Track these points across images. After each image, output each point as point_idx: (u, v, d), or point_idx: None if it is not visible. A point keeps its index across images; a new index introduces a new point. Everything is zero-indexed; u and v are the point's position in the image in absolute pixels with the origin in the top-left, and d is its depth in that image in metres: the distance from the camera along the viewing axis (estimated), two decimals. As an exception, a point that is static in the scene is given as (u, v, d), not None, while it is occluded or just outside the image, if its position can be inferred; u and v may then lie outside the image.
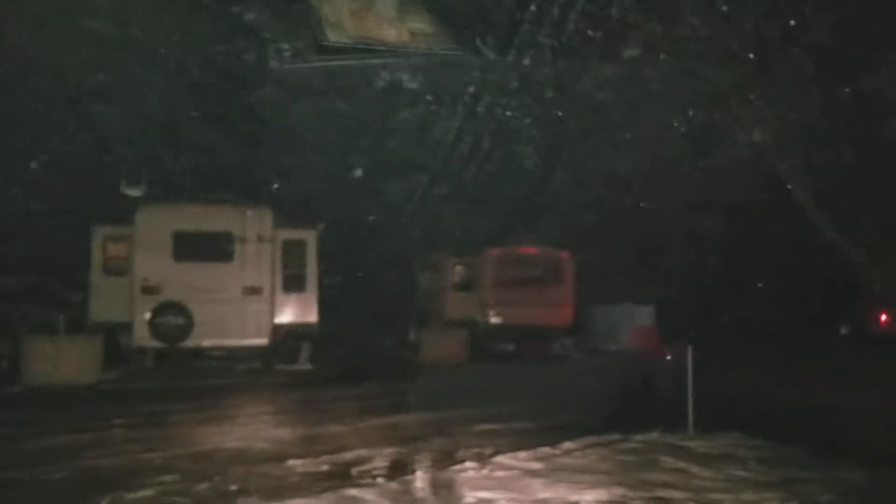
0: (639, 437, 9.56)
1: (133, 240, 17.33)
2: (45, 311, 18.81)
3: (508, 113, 16.37)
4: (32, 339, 16.09)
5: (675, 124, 15.50)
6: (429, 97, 16.45)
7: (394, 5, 12.04)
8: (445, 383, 16.06)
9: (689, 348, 10.22)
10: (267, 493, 7.17)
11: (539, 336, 23.02)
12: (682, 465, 8.20)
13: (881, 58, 13.53)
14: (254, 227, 17.71)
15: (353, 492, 7.08)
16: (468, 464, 8.08)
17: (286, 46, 14.22)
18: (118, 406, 12.71)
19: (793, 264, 24.11)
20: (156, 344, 17.05)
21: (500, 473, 7.71)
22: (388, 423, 11.36)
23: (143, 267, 17.05)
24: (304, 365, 18.70)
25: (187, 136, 19.28)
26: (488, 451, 8.88)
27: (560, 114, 16.23)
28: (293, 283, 18.52)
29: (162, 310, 16.95)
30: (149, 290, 16.95)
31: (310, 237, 18.75)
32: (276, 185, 21.89)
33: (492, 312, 22.62)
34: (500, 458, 8.33)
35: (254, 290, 17.55)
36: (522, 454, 8.51)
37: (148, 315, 16.87)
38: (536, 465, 8.04)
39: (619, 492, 7.09)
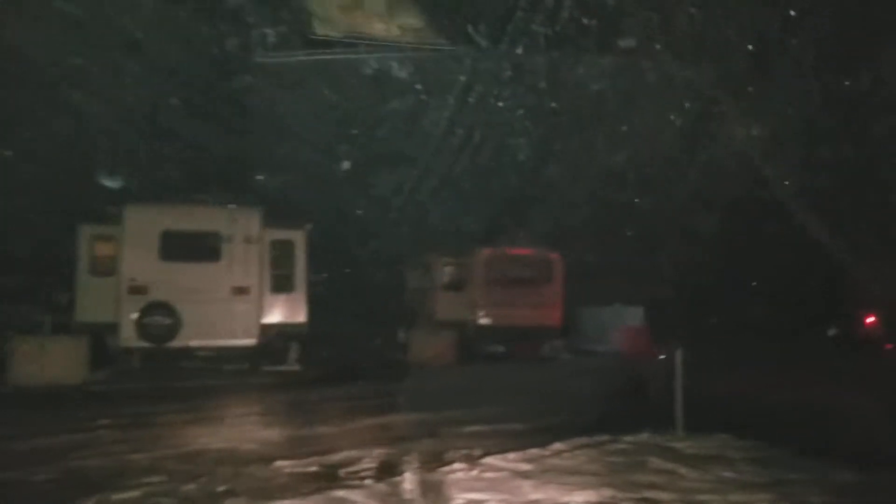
0: (628, 438, 9.55)
1: (120, 239, 17.25)
2: (31, 311, 18.70)
3: (501, 104, 16.08)
4: (19, 340, 15.98)
5: (672, 117, 15.34)
6: (418, 86, 16.20)
7: (383, 0, 11.99)
8: (435, 384, 16.03)
9: (678, 350, 10.21)
10: (254, 495, 7.14)
11: (529, 337, 23.03)
12: (670, 466, 8.20)
13: (880, 52, 13.49)
14: (242, 227, 17.67)
15: (341, 493, 7.06)
16: (457, 465, 8.06)
17: (271, 32, 14.07)
18: (105, 407, 12.65)
19: (783, 265, 24.14)
20: (143, 344, 16.98)
21: (489, 475, 7.69)
22: (377, 423, 11.34)
23: (131, 267, 16.98)
24: (292, 365, 18.66)
25: (168, 125, 18.84)
26: (477, 452, 8.85)
27: (553, 105, 15.99)
28: (281, 284, 18.49)
29: (149, 310, 16.89)
30: (136, 290, 16.88)
31: (298, 237, 18.72)
32: (260, 177, 21.67)
33: (481, 313, 22.62)
34: (489, 460, 8.31)
35: (242, 291, 17.51)
36: (512, 455, 8.49)
37: (135, 315, 16.80)
38: (526, 467, 8.02)
39: (607, 493, 7.08)
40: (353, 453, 8.87)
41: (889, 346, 21.97)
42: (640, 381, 13.63)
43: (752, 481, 7.70)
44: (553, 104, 15.90)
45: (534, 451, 8.72)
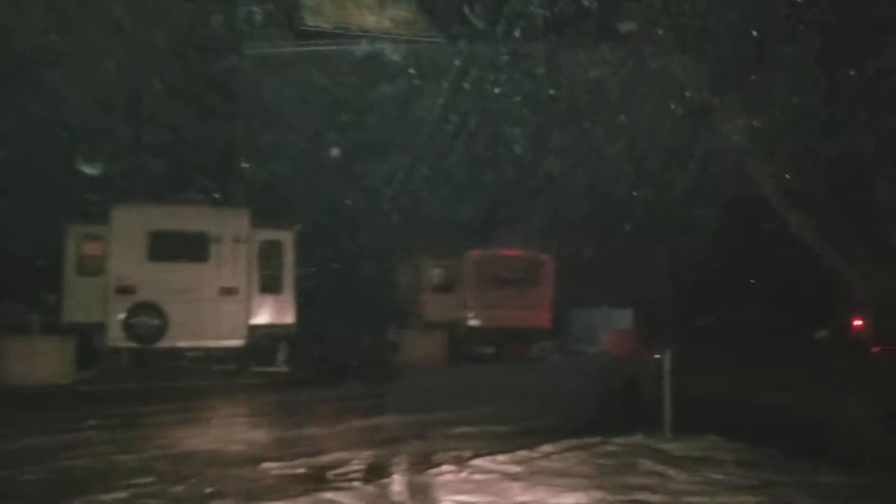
0: (617, 440, 9.54)
1: (108, 239, 17.19)
2: (19, 311, 18.59)
3: (497, 90, 15.84)
4: (7, 340, 15.90)
5: (672, 108, 15.12)
6: (411, 70, 15.95)
7: None
8: (424, 385, 16.02)
9: (667, 351, 10.21)
10: (242, 496, 7.12)
11: (518, 338, 23.05)
12: (659, 468, 8.19)
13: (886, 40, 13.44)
14: (230, 227, 17.63)
15: (330, 495, 7.03)
16: (446, 467, 8.03)
17: (260, 22, 13.91)
18: (92, 407, 12.59)
19: (771, 268, 24.21)
20: (131, 344, 16.95)
21: (478, 477, 7.66)
22: (366, 425, 11.30)
23: (118, 267, 16.94)
24: (280, 366, 18.62)
25: (149, 109, 18.55)
26: (466, 454, 8.83)
27: (552, 92, 15.72)
28: (270, 284, 18.46)
29: (137, 310, 16.85)
30: (124, 291, 16.84)
31: (286, 238, 18.69)
32: (245, 164, 21.34)
33: (471, 314, 22.65)
34: (478, 462, 8.28)
35: (230, 291, 17.47)
36: (501, 457, 8.47)
37: (123, 315, 16.76)
38: (515, 469, 8.00)
39: (597, 495, 7.06)
40: (341, 455, 8.84)
41: (876, 350, 22.03)
42: (629, 383, 13.64)
43: (742, 483, 7.70)
44: (551, 91, 15.60)
45: (523, 453, 8.70)
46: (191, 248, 17.55)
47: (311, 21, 11.25)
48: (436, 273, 23.72)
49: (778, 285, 24.81)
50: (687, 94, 14.69)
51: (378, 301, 24.93)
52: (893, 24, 12.93)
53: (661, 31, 13.17)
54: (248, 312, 17.88)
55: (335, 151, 20.47)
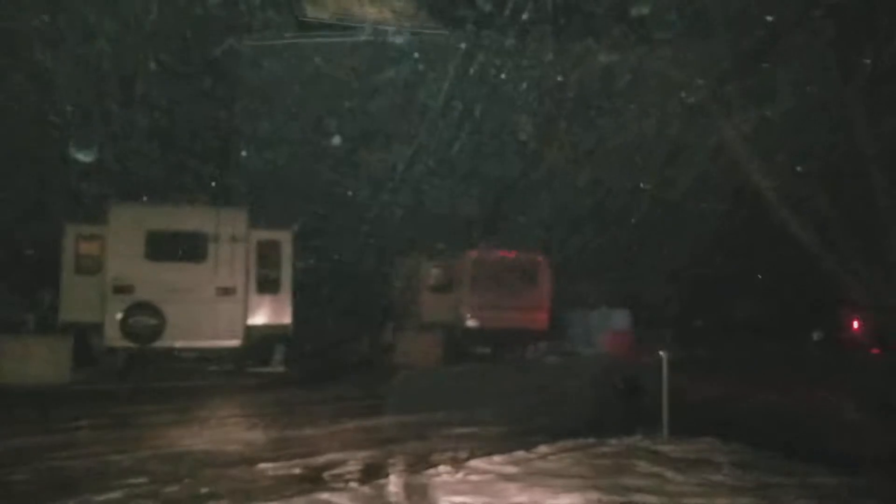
0: (614, 441, 9.52)
1: (106, 239, 17.17)
2: (15, 310, 18.56)
3: (498, 81, 15.59)
4: (3, 339, 15.87)
5: (683, 94, 14.88)
6: (413, 62, 15.74)
7: None
8: (420, 386, 15.99)
9: (664, 353, 10.19)
10: (237, 497, 7.09)
11: (515, 339, 23.03)
12: (656, 469, 8.17)
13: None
14: (228, 227, 17.59)
15: (325, 496, 7.00)
16: (442, 468, 8.01)
17: (260, 13, 13.79)
18: (88, 407, 12.58)
19: (768, 269, 24.22)
20: (127, 344, 16.90)
21: (474, 477, 7.64)
22: (362, 425, 11.29)
23: (116, 266, 16.92)
24: (277, 367, 18.58)
25: (144, 94, 18.24)
26: (463, 454, 8.81)
27: (559, 79, 15.45)
28: (267, 285, 18.42)
29: (134, 310, 16.81)
30: (121, 290, 16.80)
31: (284, 238, 18.66)
32: (243, 152, 21.06)
33: (468, 315, 22.61)
34: (474, 462, 8.26)
35: (227, 291, 17.43)
36: (497, 458, 8.45)
37: (120, 315, 16.72)
38: (511, 469, 7.98)
39: (593, 496, 7.04)
40: (337, 455, 8.82)
41: (875, 351, 22.05)
42: (629, 383, 13.60)
43: (738, 485, 7.68)
44: (559, 77, 15.37)
45: (519, 454, 8.68)
46: (188, 247, 17.52)
47: (311, 12, 11.20)
48: (433, 273, 23.70)
49: (775, 287, 24.80)
50: (688, 91, 14.65)
51: (375, 301, 24.90)
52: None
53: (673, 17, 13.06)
54: (246, 312, 17.85)
55: (334, 141, 20.12)
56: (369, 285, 24.97)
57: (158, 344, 16.98)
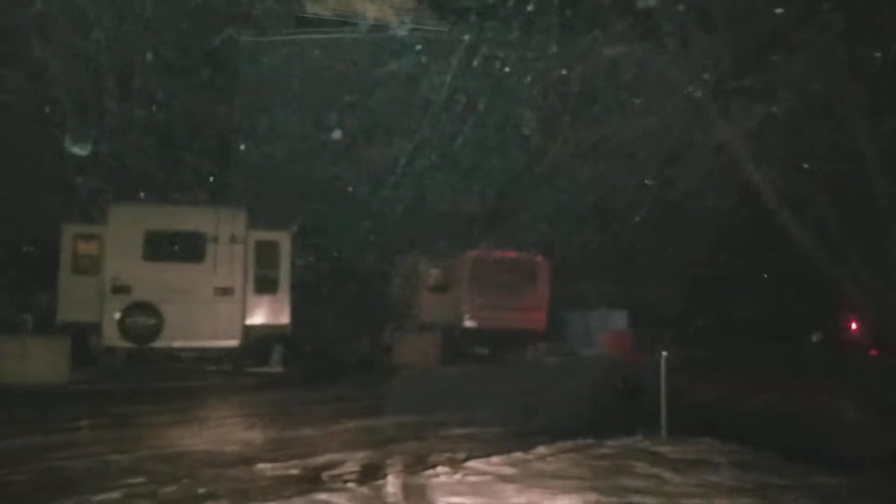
0: (612, 442, 9.52)
1: (104, 239, 17.17)
2: (13, 310, 18.54)
3: (506, 70, 15.34)
4: (1, 339, 15.84)
5: (691, 89, 14.64)
6: (417, 48, 15.50)
7: None
8: (419, 386, 15.98)
9: (663, 353, 10.19)
10: (236, 497, 7.08)
11: (514, 340, 23.05)
12: (655, 470, 8.17)
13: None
14: (226, 227, 17.59)
15: (324, 496, 6.99)
16: (440, 469, 8.00)
17: (260, 8, 13.63)
18: (86, 407, 12.57)
19: (767, 270, 24.23)
20: (126, 344, 16.92)
21: (472, 478, 7.63)
22: (361, 426, 11.28)
23: (114, 266, 16.92)
24: (275, 367, 18.57)
25: (142, 88, 17.62)
26: (461, 455, 8.80)
27: (564, 72, 15.13)
28: (265, 285, 18.41)
29: (132, 310, 16.81)
30: (119, 290, 16.81)
31: (283, 239, 18.66)
32: (241, 146, 20.68)
33: (467, 316, 22.64)
34: (472, 463, 8.26)
35: (225, 291, 17.44)
36: (495, 459, 8.44)
37: (118, 315, 16.72)
38: (509, 471, 7.97)
39: (592, 497, 7.04)
40: (336, 456, 8.81)
41: (874, 353, 22.07)
42: (631, 383, 13.59)
43: (737, 486, 7.68)
44: (564, 70, 15.07)
45: (517, 455, 8.68)
46: (187, 247, 17.53)
47: (311, 8, 11.14)
48: (432, 273, 23.72)
49: (775, 287, 24.81)
50: (690, 87, 14.57)
51: (374, 301, 24.89)
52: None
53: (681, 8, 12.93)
54: (244, 313, 17.85)
55: (334, 136, 19.63)
56: (369, 285, 24.96)
57: (157, 344, 16.99)
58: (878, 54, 13.25)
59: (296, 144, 20.47)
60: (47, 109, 17.06)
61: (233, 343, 17.60)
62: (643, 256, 25.54)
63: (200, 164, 18.96)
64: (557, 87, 15.67)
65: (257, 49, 16.34)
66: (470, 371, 20.36)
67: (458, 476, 7.72)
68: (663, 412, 9.88)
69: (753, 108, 14.35)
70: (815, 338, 25.12)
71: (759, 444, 9.31)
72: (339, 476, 7.90)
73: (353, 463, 8.47)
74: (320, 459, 8.67)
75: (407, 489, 7.26)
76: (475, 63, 14.78)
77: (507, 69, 15.18)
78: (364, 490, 7.25)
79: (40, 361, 15.38)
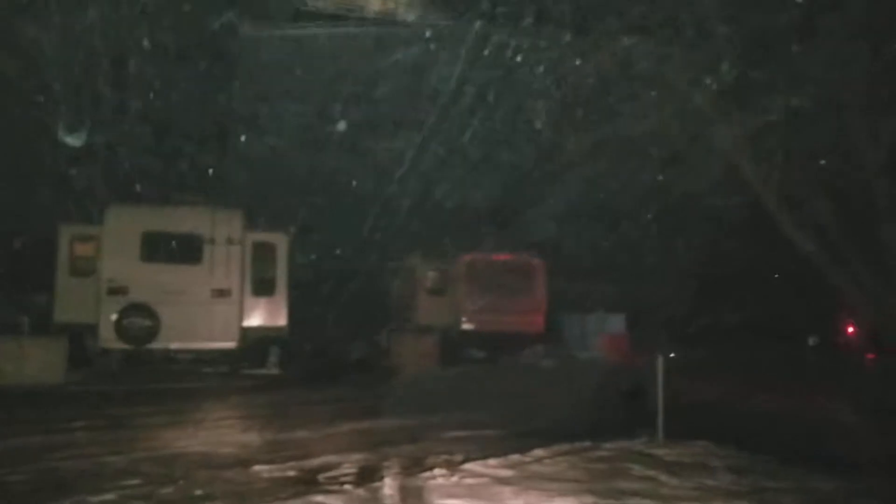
0: (609, 444, 9.51)
1: (101, 240, 17.15)
2: (9, 311, 18.50)
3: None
4: (-4, 339, 15.86)
5: (708, 81, 14.40)
6: (427, 34, 15.26)
7: None
8: (416, 389, 15.99)
9: (660, 357, 10.20)
10: (232, 499, 7.08)
11: (511, 342, 23.03)
12: (651, 473, 8.17)
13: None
14: (223, 229, 17.59)
15: (320, 498, 6.99)
16: (437, 471, 7.99)
17: (260, 1, 13.48)
18: (83, 408, 12.56)
19: (764, 274, 24.23)
20: (122, 346, 16.90)
21: (469, 481, 7.63)
22: (357, 428, 11.28)
23: (111, 268, 16.91)
24: (272, 369, 18.56)
25: (136, 72, 17.12)
26: (458, 457, 8.80)
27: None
28: (263, 287, 18.40)
29: (129, 311, 16.80)
30: (116, 291, 16.79)
31: (280, 240, 18.65)
32: (242, 137, 20.43)
33: (464, 318, 22.64)
34: (469, 465, 8.25)
35: (222, 293, 17.42)
36: (492, 461, 8.44)
37: (114, 316, 16.71)
38: (506, 473, 7.96)
39: (588, 500, 7.04)
40: (332, 458, 8.80)
41: (871, 356, 22.09)
42: (629, 386, 13.59)
43: (733, 489, 7.68)
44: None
45: (514, 457, 8.67)
46: (184, 249, 17.51)
47: (312, 2, 11.06)
48: (430, 276, 23.70)
49: (772, 289, 24.82)
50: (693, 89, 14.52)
51: (372, 303, 24.88)
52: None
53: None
54: (241, 314, 17.84)
55: (338, 127, 19.16)
56: (366, 287, 24.94)
57: (153, 345, 16.98)
58: (876, 54, 13.25)
59: (297, 138, 20.29)
60: (45, 113, 16.98)
61: (230, 345, 17.59)
62: (643, 257, 25.54)
63: (199, 155, 18.82)
64: (564, 83, 15.57)
65: (258, 42, 16.18)
66: (467, 373, 20.34)
67: (454, 478, 7.71)
68: (660, 415, 9.89)
69: (753, 110, 14.34)
70: (811, 341, 25.17)
71: (756, 447, 9.31)
72: (335, 478, 7.89)
73: (349, 465, 8.46)
74: (317, 461, 8.66)
75: (404, 491, 7.25)
76: (481, 56, 14.62)
77: (513, 63, 15.05)
78: (361, 492, 7.24)
79: (37, 362, 15.40)
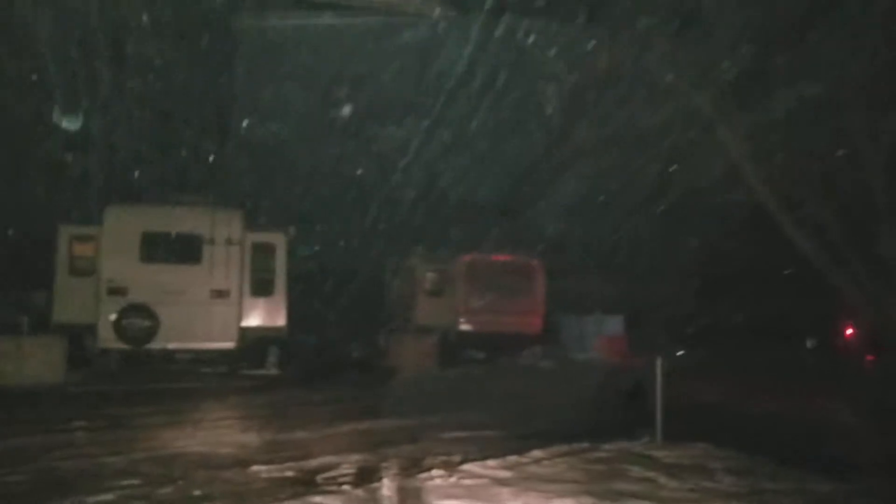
0: (607, 446, 9.51)
1: (100, 240, 17.15)
2: (8, 311, 18.50)
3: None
4: (-4, 339, 15.85)
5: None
6: (417, 44, 14.95)
7: None
8: (415, 389, 15.98)
9: (659, 358, 10.20)
10: (230, 499, 7.09)
11: (509, 343, 23.03)
12: (650, 474, 8.16)
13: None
14: (223, 229, 17.59)
15: (319, 499, 6.99)
16: (435, 472, 7.99)
17: None
18: (81, 408, 12.55)
19: (762, 275, 24.20)
20: (121, 346, 16.90)
21: (467, 482, 7.63)
22: (356, 429, 11.28)
23: (110, 268, 16.91)
24: (271, 369, 18.55)
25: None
26: (456, 458, 8.80)
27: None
28: (261, 287, 18.39)
29: (128, 311, 16.81)
30: (115, 292, 16.80)
31: (279, 241, 18.65)
32: (244, 122, 20.17)
33: (462, 319, 22.63)
34: (468, 466, 8.25)
35: (221, 293, 17.42)
36: (491, 462, 8.44)
37: (113, 316, 16.71)
38: (505, 474, 7.96)
39: (587, 501, 7.04)
40: (331, 459, 8.81)
41: (871, 358, 22.09)
42: (632, 387, 13.59)
43: (732, 491, 7.68)
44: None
45: (513, 459, 8.67)
46: (183, 249, 17.52)
47: None
48: (429, 277, 23.70)
49: (772, 291, 24.80)
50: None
51: (371, 303, 24.88)
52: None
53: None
54: (240, 315, 17.84)
55: (346, 108, 19.31)
56: (365, 287, 24.94)
57: (152, 346, 16.98)
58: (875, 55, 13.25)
59: (300, 126, 20.14)
60: (44, 112, 16.94)
61: (229, 345, 17.59)
62: (643, 257, 25.55)
63: (202, 145, 18.74)
64: (573, 72, 15.45)
65: (259, 30, 16.01)
66: (465, 374, 20.33)
67: (453, 479, 7.71)
68: (659, 416, 9.89)
69: (753, 109, 14.32)
70: (809, 343, 25.16)
71: (756, 449, 9.31)
72: (334, 479, 7.90)
73: (348, 465, 8.47)
74: (315, 462, 8.67)
75: (402, 492, 7.25)
76: (485, 48, 14.48)
77: (513, 61, 14.98)
78: (359, 493, 7.24)
79: (36, 362, 15.40)
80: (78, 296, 17.15)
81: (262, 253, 18.49)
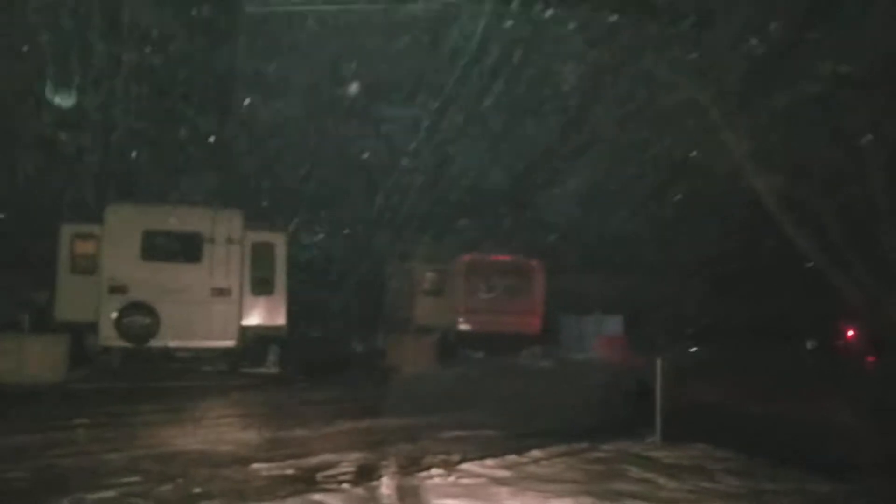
0: (606, 446, 9.53)
1: (101, 238, 17.17)
2: (10, 309, 18.52)
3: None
4: (-3, 337, 15.87)
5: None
6: (424, 31, 14.74)
7: None
8: (414, 389, 16.00)
9: (658, 359, 10.21)
10: (230, 497, 7.10)
11: (508, 343, 23.05)
12: (649, 475, 8.18)
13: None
14: (223, 228, 17.59)
15: (318, 497, 7.02)
16: (434, 470, 8.01)
17: None
18: (82, 406, 12.54)
19: (762, 276, 24.22)
20: (122, 344, 16.89)
21: (466, 481, 7.65)
22: (355, 427, 11.29)
23: (111, 266, 16.91)
24: (271, 368, 18.58)
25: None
26: (455, 457, 8.82)
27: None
28: (262, 286, 18.40)
29: (129, 309, 16.79)
30: (116, 290, 16.79)
31: (279, 240, 18.67)
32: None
33: (461, 319, 22.65)
34: (466, 466, 8.28)
35: (222, 292, 17.42)
36: (489, 462, 8.46)
37: (114, 315, 16.70)
38: (503, 473, 7.99)
39: (586, 501, 7.06)
40: (330, 457, 8.82)
41: (872, 359, 22.10)
42: (637, 387, 13.60)
43: (731, 492, 7.70)
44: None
45: (512, 458, 8.70)
46: (184, 248, 17.53)
47: None
48: (428, 277, 23.71)
49: (772, 291, 24.83)
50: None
51: (371, 303, 24.90)
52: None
53: None
54: (240, 313, 17.83)
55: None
56: (365, 287, 24.98)
57: (153, 344, 16.97)
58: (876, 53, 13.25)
59: (303, 106, 19.98)
60: (42, 110, 16.85)
61: (229, 343, 17.59)
62: (643, 257, 25.57)
63: (198, 118, 18.65)
64: (568, 79, 15.38)
65: (263, 17, 15.87)
66: (465, 374, 20.35)
67: (452, 478, 7.74)
68: (658, 417, 9.90)
69: (754, 109, 14.31)
70: (809, 345, 25.18)
71: (755, 450, 9.32)
72: (333, 477, 7.92)
73: (347, 464, 8.48)
74: (315, 460, 8.69)
75: (401, 490, 7.27)
76: (489, 40, 14.36)
77: (513, 59, 14.91)
78: (359, 491, 7.26)
79: (37, 360, 15.41)
80: (79, 294, 17.16)
81: (262, 252, 18.49)
